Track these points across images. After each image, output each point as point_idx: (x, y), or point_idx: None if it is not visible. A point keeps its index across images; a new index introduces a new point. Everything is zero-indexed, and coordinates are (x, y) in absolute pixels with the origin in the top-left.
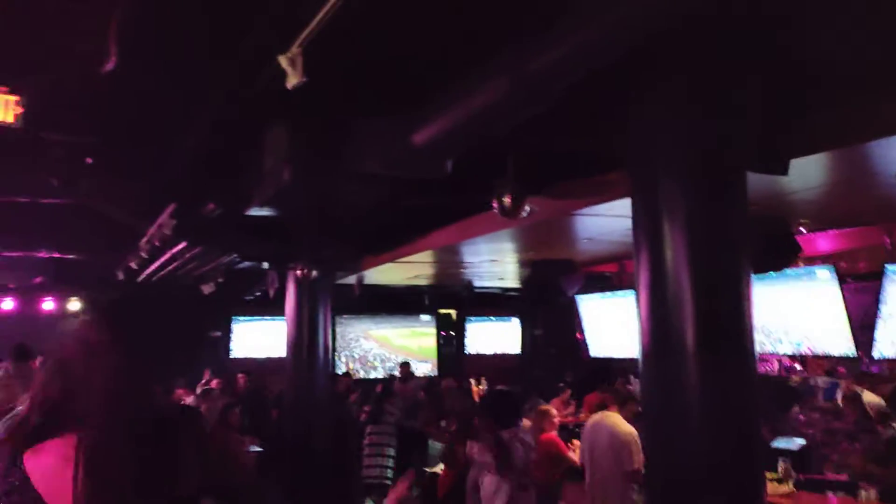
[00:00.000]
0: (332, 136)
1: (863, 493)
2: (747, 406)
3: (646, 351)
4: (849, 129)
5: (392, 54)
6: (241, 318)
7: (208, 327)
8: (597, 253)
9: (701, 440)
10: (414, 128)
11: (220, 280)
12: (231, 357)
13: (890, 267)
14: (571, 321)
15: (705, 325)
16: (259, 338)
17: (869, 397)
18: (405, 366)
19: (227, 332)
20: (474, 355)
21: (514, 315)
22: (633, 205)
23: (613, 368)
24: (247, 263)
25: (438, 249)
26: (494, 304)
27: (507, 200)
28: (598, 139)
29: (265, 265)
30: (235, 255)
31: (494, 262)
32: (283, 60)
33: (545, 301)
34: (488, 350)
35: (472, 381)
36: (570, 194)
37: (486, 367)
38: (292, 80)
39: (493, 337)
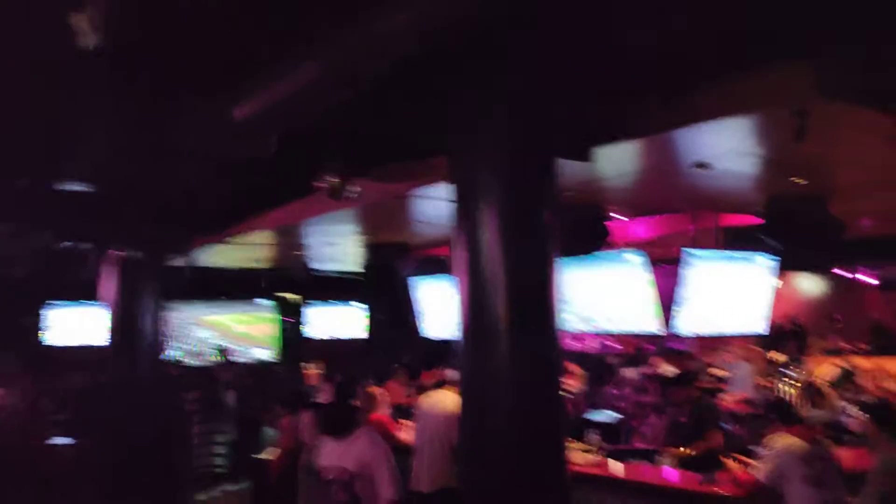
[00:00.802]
0: (152, 111)
1: (661, 460)
2: (553, 379)
3: (465, 330)
4: (652, 119)
5: (213, 35)
6: (57, 303)
7: (18, 313)
8: (432, 236)
9: (511, 411)
10: (234, 105)
11: (34, 263)
12: (44, 345)
13: (687, 251)
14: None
15: (516, 304)
16: (76, 324)
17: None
18: (224, 352)
19: (40, 318)
20: (318, 340)
21: (360, 299)
22: (454, 190)
23: (450, 349)
24: (66, 244)
25: (274, 231)
26: (338, 287)
27: (333, 181)
28: (422, 125)
29: (84, 246)
30: (51, 234)
31: (334, 246)
32: (78, 20)
33: (382, 283)
34: (333, 335)
35: (310, 366)
36: (396, 177)
37: (330, 353)
38: (88, 41)
39: (338, 321)
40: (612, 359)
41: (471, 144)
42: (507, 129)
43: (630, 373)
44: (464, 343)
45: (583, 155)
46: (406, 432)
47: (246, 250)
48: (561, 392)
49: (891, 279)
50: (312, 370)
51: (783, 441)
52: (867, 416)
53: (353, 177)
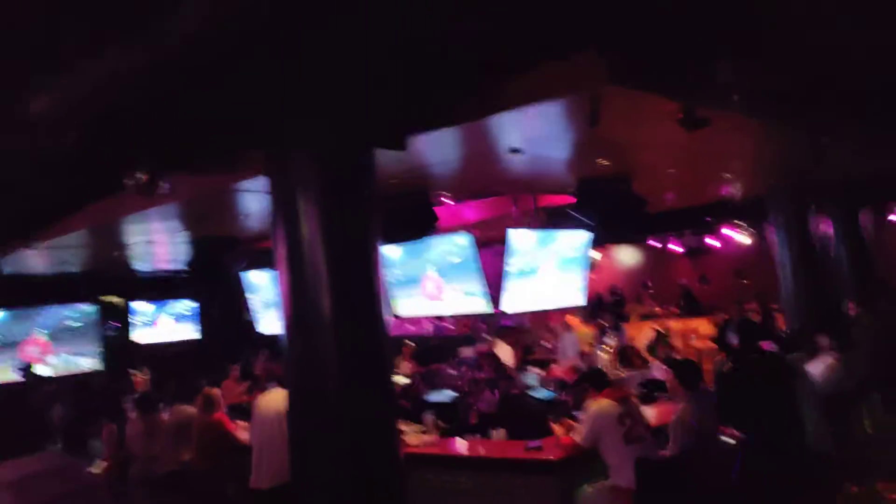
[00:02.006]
0: None
1: (493, 433)
2: (381, 366)
3: (288, 323)
4: (462, 108)
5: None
6: None
7: None
8: (261, 229)
9: (339, 401)
10: (30, 98)
11: None
12: None
13: (510, 231)
14: (243, 300)
15: (340, 295)
16: None
17: (504, 349)
18: (26, 369)
19: None
20: (147, 344)
21: (190, 297)
22: (270, 183)
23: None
24: None
25: (85, 231)
26: (166, 287)
27: (141, 178)
28: (235, 118)
29: None
30: None
31: (156, 244)
32: None
33: (213, 280)
34: (163, 337)
35: (136, 372)
36: (213, 171)
37: (161, 355)
38: None
39: (167, 322)
40: (448, 340)
41: (284, 136)
42: (320, 121)
43: (467, 352)
44: (288, 336)
45: (398, 144)
46: (243, 432)
47: (60, 253)
48: (392, 378)
49: (694, 247)
50: (139, 376)
51: (596, 405)
52: (671, 372)
53: (164, 172)
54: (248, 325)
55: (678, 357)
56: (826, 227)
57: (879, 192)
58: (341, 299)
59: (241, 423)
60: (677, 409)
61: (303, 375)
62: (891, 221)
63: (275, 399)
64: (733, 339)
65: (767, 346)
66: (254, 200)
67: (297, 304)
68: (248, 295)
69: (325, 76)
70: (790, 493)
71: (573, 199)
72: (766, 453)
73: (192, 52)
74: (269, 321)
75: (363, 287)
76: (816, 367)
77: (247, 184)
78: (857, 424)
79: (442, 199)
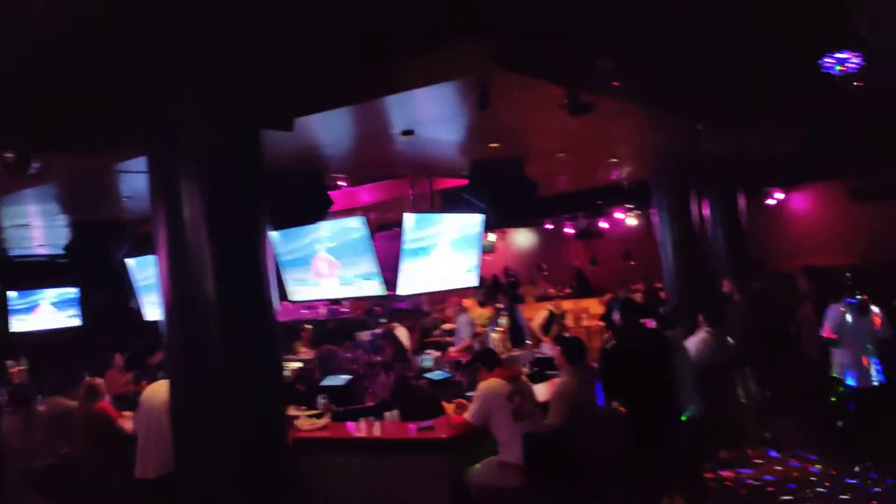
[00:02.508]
0: None
1: (386, 415)
2: (268, 351)
3: (170, 308)
4: (350, 89)
5: None
6: None
7: None
8: (145, 213)
9: (224, 387)
10: None
11: None
12: None
13: (406, 214)
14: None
15: (225, 279)
16: None
17: (401, 332)
18: None
19: None
20: (26, 333)
21: (72, 284)
22: (150, 163)
23: None
24: None
25: None
26: (45, 273)
27: (8, 157)
28: (113, 96)
29: None
30: None
31: (33, 227)
32: None
33: (95, 265)
34: (44, 325)
35: (12, 363)
36: (91, 152)
37: (40, 344)
38: None
39: (47, 310)
40: (344, 323)
41: (165, 116)
42: (203, 101)
43: (364, 335)
44: (169, 322)
45: (285, 124)
46: (128, 422)
47: None
48: (280, 363)
49: (586, 230)
50: (16, 367)
51: (486, 384)
52: (558, 349)
53: (36, 151)
54: (135, 312)
55: (568, 335)
56: (705, 210)
57: (754, 177)
58: (227, 283)
59: (126, 413)
60: (560, 383)
61: (186, 362)
62: (765, 205)
63: (163, 388)
64: (617, 318)
65: (649, 323)
66: (136, 182)
67: (179, 288)
68: (133, 280)
69: (206, 54)
70: (667, 460)
71: (467, 182)
72: (646, 424)
73: (61, 24)
74: (156, 307)
75: (250, 270)
76: (693, 342)
77: (129, 164)
78: (730, 395)
79: (337, 182)
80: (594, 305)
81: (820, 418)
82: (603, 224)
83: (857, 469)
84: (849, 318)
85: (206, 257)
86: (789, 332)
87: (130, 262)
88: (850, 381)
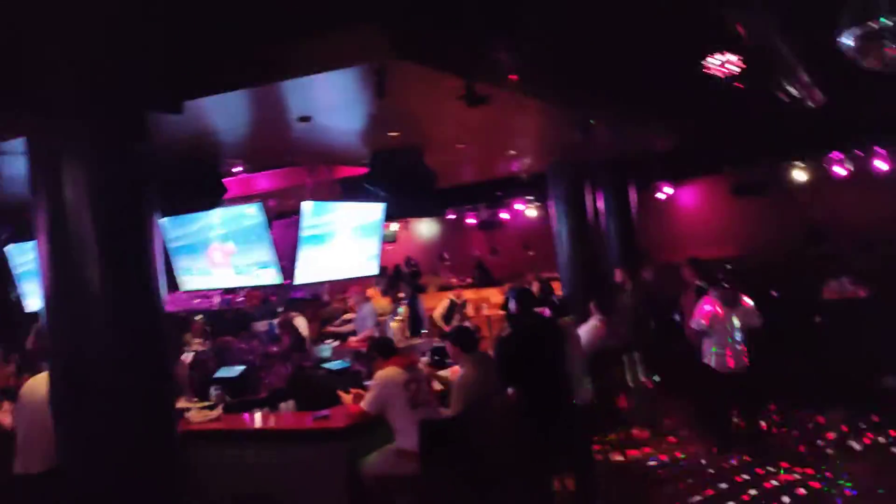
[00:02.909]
0: None
1: (282, 406)
2: (155, 341)
3: (50, 295)
4: (246, 71)
5: None
6: None
7: None
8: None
9: (108, 380)
10: None
11: None
12: None
13: (304, 203)
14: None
15: (108, 265)
16: None
17: (300, 322)
18: None
19: None
20: None
21: None
22: (29, 144)
23: None
24: None
25: None
26: None
27: None
28: None
29: None
30: None
31: None
32: None
33: None
34: None
35: None
36: None
37: None
38: None
39: None
40: (240, 314)
41: (44, 96)
42: (83, 79)
43: (260, 325)
44: (49, 310)
45: (174, 107)
46: (6, 415)
47: None
48: (167, 354)
49: (487, 220)
50: None
51: (382, 372)
52: (448, 343)
53: None
54: (16, 302)
55: (470, 325)
56: (599, 203)
57: (645, 172)
58: (110, 269)
59: (6, 405)
60: (459, 374)
61: (67, 352)
62: (655, 198)
63: (45, 380)
64: (513, 306)
65: (543, 311)
66: (15, 164)
67: (60, 275)
68: (12, 269)
69: (86, 31)
70: (559, 443)
71: (366, 170)
72: (539, 408)
73: None
74: (37, 297)
75: (135, 257)
76: (584, 329)
77: (4, 146)
78: (619, 379)
79: (233, 168)
80: (494, 295)
81: (701, 403)
82: (504, 215)
83: (732, 453)
84: (718, 308)
85: (89, 243)
86: (674, 319)
87: (9, 249)
88: (719, 368)
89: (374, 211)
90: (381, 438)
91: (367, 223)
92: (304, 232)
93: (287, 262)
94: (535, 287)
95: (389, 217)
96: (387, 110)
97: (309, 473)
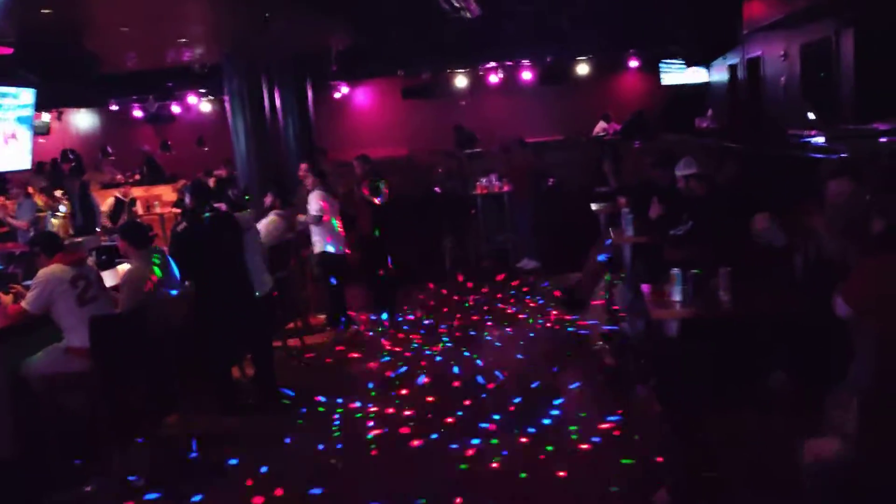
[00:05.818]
0: None
1: None
2: None
3: None
4: None
5: None
6: None
7: None
8: None
9: None
10: None
11: None
12: None
13: None
14: None
15: None
16: None
17: None
18: None
19: None
20: None
21: None
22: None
23: None
24: None
25: None
26: None
27: None
28: None
29: None
30: None
31: None
32: None
33: None
34: None
35: None
36: None
37: None
38: None
39: None
40: None
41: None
42: None
43: None
44: None
45: None
46: None
47: None
48: None
49: (156, 113)
50: None
51: (47, 269)
52: (119, 235)
53: None
54: None
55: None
56: (276, 100)
57: (324, 71)
58: None
59: None
60: (129, 269)
61: None
62: (332, 97)
63: None
64: (188, 201)
65: (220, 206)
66: None
67: None
68: None
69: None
70: (239, 332)
71: (10, 51)
72: (219, 301)
73: None
74: None
75: None
76: (263, 223)
77: None
78: (295, 270)
79: None
80: (167, 192)
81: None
82: (175, 108)
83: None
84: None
85: None
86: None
87: None
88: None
89: (24, 99)
90: (47, 338)
91: (16, 113)
92: None
93: None
94: (211, 182)
95: (41, 106)
96: None
97: None
